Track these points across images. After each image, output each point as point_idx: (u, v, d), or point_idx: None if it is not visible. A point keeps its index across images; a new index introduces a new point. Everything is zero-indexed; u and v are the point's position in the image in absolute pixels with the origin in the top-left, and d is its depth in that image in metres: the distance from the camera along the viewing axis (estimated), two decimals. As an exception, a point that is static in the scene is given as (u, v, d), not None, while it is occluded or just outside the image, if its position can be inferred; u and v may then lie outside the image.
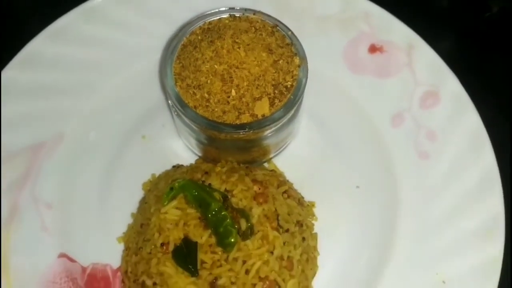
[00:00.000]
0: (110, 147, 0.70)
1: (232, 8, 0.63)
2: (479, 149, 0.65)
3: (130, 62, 0.73)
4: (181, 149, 0.71)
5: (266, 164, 0.70)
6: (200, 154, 0.70)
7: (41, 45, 0.70)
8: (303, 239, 0.63)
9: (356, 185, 0.69)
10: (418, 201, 0.65)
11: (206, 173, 0.63)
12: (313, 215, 0.67)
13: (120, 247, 0.65)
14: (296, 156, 0.71)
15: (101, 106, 0.71)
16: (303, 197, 0.68)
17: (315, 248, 0.65)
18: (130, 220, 0.67)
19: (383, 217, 0.66)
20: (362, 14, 0.73)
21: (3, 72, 0.68)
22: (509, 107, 0.76)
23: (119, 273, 0.64)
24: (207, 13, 0.63)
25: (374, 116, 0.70)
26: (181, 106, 0.60)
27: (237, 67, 0.59)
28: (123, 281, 0.63)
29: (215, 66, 0.59)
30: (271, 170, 0.69)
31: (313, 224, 0.67)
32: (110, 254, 0.65)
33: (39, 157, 0.66)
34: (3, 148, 0.65)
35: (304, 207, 0.67)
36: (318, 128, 0.72)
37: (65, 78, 0.70)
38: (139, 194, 0.68)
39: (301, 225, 0.64)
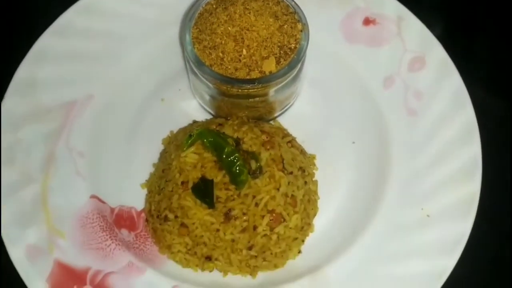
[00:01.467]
0: (133, 107, 0.78)
1: (243, -18, 0.72)
2: (460, 105, 0.73)
3: (151, 35, 0.81)
4: (196, 109, 0.79)
5: (272, 122, 0.79)
6: (213, 112, 0.79)
7: (72, 17, 0.79)
8: (305, 182, 0.72)
9: (352, 141, 0.78)
10: (407, 151, 0.74)
11: (220, 124, 0.72)
12: (314, 165, 0.76)
13: (143, 192, 0.74)
14: (298, 115, 0.79)
15: (126, 72, 0.79)
16: (305, 150, 0.77)
17: (315, 192, 0.74)
18: (152, 170, 0.75)
19: (376, 167, 0.75)
20: (358, -10, 0.82)
21: (39, 40, 0.77)
22: (496, 84, 0.84)
23: (142, 214, 0.73)
24: (221, -13, 0.72)
25: (368, 79, 0.79)
26: (198, 65, 0.69)
27: (247, 29, 0.68)
28: (146, 220, 0.72)
29: (229, 28, 0.68)
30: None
31: (314, 173, 0.75)
32: (134, 198, 0.73)
33: (72, 113, 0.75)
34: (42, 104, 0.74)
35: (306, 157, 0.75)
36: (318, 91, 0.80)
37: (95, 47, 0.78)
38: (159, 148, 0.77)
39: (303, 171, 0.72)
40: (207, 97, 0.76)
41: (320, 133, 0.78)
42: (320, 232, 0.72)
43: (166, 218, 0.68)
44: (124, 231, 0.71)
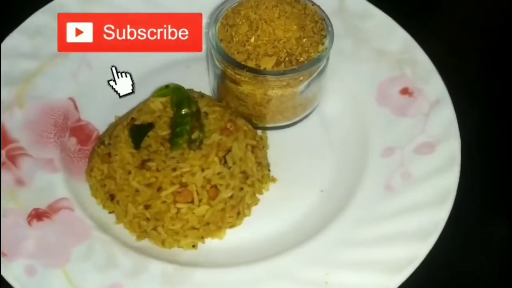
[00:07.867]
0: (160, 58, 0.82)
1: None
2: (440, 203, 0.63)
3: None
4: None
5: (259, 132, 0.76)
6: (214, 96, 0.79)
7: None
8: (241, 189, 0.67)
9: (321, 189, 0.71)
10: (359, 219, 0.65)
11: (202, 96, 0.72)
12: (267, 184, 0.71)
13: (115, 125, 0.77)
14: (286, 140, 0.75)
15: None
16: (269, 170, 0.72)
17: (248, 207, 0.68)
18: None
19: (320, 222, 0.67)
20: (413, 61, 0.77)
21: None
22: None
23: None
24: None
25: (372, 141, 0.72)
26: (213, 37, 0.71)
27: (265, 22, 0.69)
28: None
29: (250, 12, 0.70)
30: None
31: (262, 191, 0.70)
32: (105, 126, 0.76)
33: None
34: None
35: (262, 172, 0.70)
36: (320, 129, 0.76)
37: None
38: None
39: (246, 178, 0.68)
40: (212, 77, 0.77)
41: (295, 167, 0.73)
42: (227, 242, 0.66)
43: (103, 142, 0.69)
44: (73, 140, 0.74)
